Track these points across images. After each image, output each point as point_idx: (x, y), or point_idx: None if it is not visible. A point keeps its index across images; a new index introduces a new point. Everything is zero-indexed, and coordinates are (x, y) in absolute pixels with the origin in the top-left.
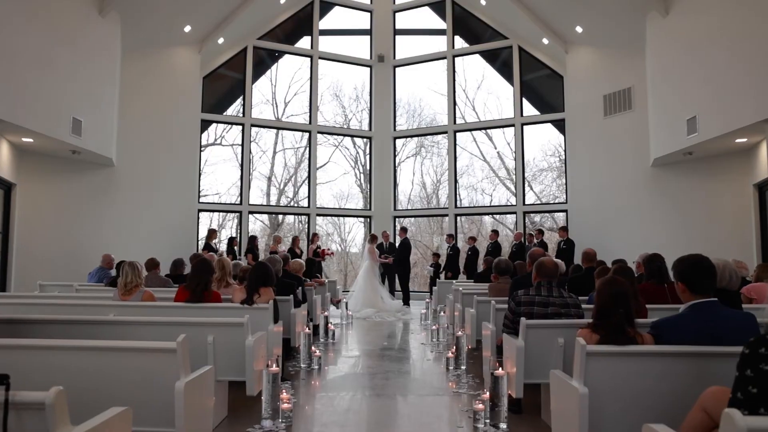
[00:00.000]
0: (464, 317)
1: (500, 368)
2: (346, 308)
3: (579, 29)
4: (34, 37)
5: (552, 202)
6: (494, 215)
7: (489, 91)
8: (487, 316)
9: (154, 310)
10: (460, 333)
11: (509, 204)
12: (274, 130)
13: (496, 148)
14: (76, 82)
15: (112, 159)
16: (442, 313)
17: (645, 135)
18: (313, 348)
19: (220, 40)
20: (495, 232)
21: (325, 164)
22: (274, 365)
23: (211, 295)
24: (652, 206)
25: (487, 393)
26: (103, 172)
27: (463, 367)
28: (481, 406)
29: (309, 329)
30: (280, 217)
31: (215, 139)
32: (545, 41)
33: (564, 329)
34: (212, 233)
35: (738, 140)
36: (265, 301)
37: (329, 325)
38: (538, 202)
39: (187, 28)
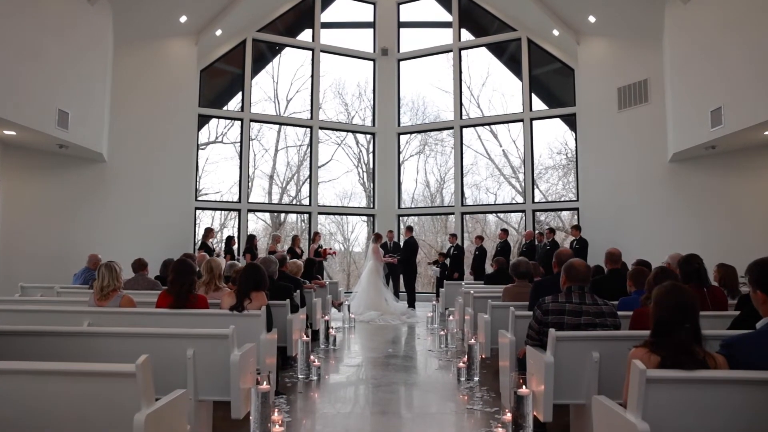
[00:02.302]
0: (476, 323)
1: (524, 386)
2: (349, 311)
3: (592, 19)
4: (18, 24)
5: (559, 200)
6: (499, 214)
7: (494, 88)
8: (504, 323)
9: (131, 317)
10: (472, 341)
11: (517, 202)
12: (276, 128)
13: (501, 146)
14: (62, 73)
15: (103, 154)
16: (450, 317)
17: (662, 129)
18: (311, 357)
19: (218, 32)
20: (505, 231)
21: (327, 162)
22: (265, 382)
23: (196, 299)
24: (669, 204)
25: (509, 414)
26: (94, 168)
27: (476, 379)
28: (501, 429)
29: (307, 336)
30: (282, 216)
31: (216, 137)
32: (555, 33)
33: (599, 342)
34: (209, 232)
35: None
36: (257, 307)
37: (330, 330)
38: (544, 200)
39: (183, 19)
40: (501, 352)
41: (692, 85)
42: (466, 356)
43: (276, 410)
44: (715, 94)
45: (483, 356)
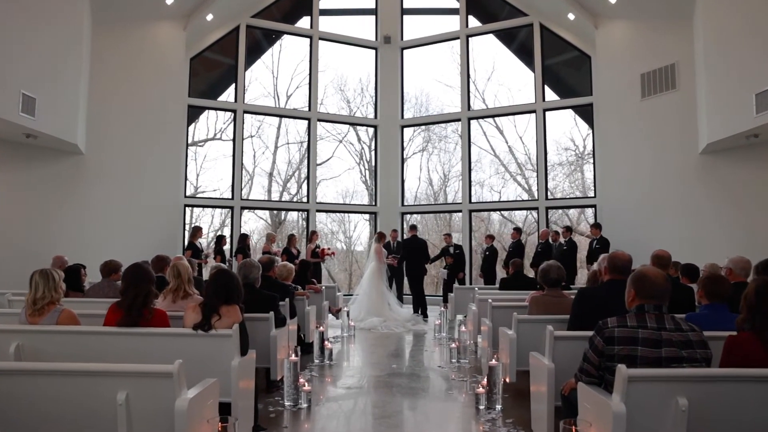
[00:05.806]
0: (495, 338)
1: None
2: (348, 318)
3: (612, 0)
4: None
5: (572, 197)
6: (503, 212)
7: (500, 82)
8: (534, 342)
9: (68, 338)
10: (493, 361)
11: (525, 199)
12: (276, 125)
13: (507, 142)
14: (28, 54)
15: (78, 146)
16: (463, 328)
17: (693, 117)
18: (301, 380)
19: (209, 17)
20: (517, 230)
21: (328, 159)
22: None
23: (152, 314)
24: (701, 199)
25: None
26: (69, 161)
27: (499, 407)
28: None
29: (297, 354)
30: (283, 214)
31: (215, 134)
32: (571, 17)
33: (688, 384)
34: (197, 231)
35: None
36: (228, 324)
37: (326, 342)
38: (553, 198)
39: (170, 1)
40: (533, 379)
41: (732, 66)
42: (486, 380)
43: None
44: (760, 76)
45: (506, 379)
